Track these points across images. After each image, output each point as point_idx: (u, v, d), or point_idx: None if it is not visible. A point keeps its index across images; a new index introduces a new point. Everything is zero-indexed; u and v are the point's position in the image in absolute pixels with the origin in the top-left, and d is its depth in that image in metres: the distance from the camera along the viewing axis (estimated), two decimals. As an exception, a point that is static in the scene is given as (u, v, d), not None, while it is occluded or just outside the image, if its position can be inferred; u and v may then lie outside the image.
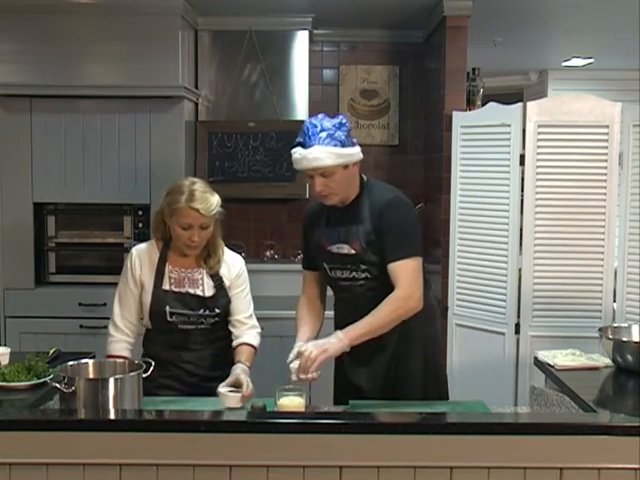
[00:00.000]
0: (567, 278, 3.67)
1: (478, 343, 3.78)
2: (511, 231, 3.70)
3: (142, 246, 2.71)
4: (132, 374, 2.18)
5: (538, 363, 2.74)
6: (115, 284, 4.15)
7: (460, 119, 3.94)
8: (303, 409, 2.26)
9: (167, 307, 2.59)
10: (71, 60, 4.05)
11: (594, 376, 2.55)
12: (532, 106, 3.66)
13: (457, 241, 3.91)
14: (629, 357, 2.53)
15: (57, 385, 2.10)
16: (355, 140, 2.53)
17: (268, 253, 4.75)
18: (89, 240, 4.21)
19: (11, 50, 4.05)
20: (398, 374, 2.59)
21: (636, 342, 2.66)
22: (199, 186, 2.59)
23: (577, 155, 3.64)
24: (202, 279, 2.66)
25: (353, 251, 2.53)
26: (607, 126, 3.62)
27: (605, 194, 3.64)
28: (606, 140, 3.62)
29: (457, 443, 1.88)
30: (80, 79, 4.05)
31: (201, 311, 2.62)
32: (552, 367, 2.61)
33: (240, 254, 4.51)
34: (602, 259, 3.66)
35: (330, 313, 2.76)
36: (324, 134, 2.42)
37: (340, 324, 2.53)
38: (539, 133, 3.64)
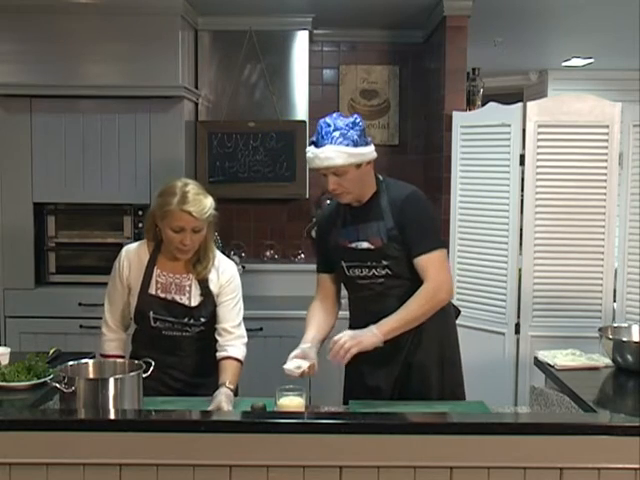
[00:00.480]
0: (567, 278, 3.67)
1: (478, 343, 3.78)
2: (511, 231, 3.70)
3: (132, 246, 2.66)
4: (132, 374, 2.17)
5: (538, 363, 2.74)
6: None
7: (460, 119, 3.94)
8: (303, 409, 2.26)
9: (151, 312, 2.55)
10: (71, 60, 4.05)
11: (594, 376, 2.55)
12: (532, 106, 3.66)
13: (457, 241, 3.91)
14: (629, 357, 2.53)
15: (57, 385, 2.10)
16: (369, 139, 2.54)
17: (268, 253, 4.75)
18: (89, 240, 4.21)
19: (11, 50, 4.05)
20: (414, 374, 2.59)
21: (636, 342, 2.66)
22: (192, 188, 2.51)
23: (577, 155, 3.64)
24: (190, 286, 2.58)
25: (373, 246, 2.53)
26: (607, 126, 3.62)
27: (605, 194, 3.64)
28: (606, 140, 3.62)
29: (457, 443, 1.88)
30: (80, 79, 4.05)
31: (185, 319, 2.57)
32: (552, 367, 2.61)
33: (240, 254, 4.60)
34: (602, 259, 3.66)
35: (345, 313, 2.75)
36: (337, 133, 2.44)
37: (355, 326, 2.52)
38: (539, 133, 3.64)
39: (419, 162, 4.82)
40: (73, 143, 4.09)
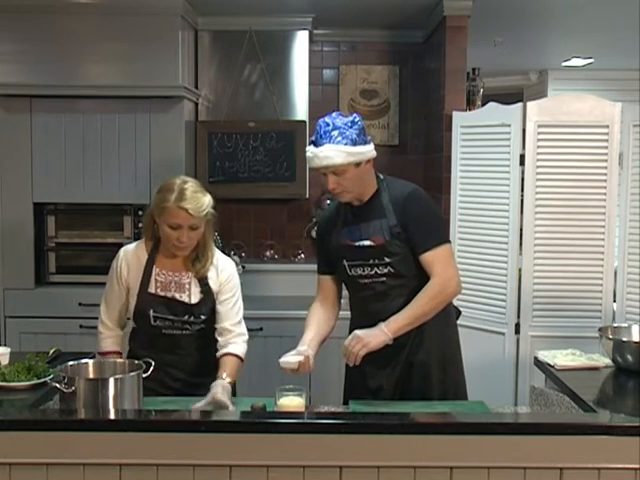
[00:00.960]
0: (567, 278, 3.67)
1: (478, 343, 3.78)
2: (511, 231, 3.70)
3: (130, 247, 2.66)
4: (132, 374, 2.17)
5: (538, 363, 2.74)
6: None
7: (460, 119, 3.94)
8: (303, 409, 2.26)
9: (151, 311, 2.55)
10: (71, 60, 4.05)
11: (594, 376, 2.55)
12: (532, 106, 3.66)
13: (457, 241, 3.91)
14: (629, 357, 2.53)
15: (57, 385, 2.10)
16: (369, 138, 2.54)
17: (268, 253, 4.75)
18: (89, 240, 4.20)
19: (11, 50, 4.05)
20: (416, 374, 2.59)
21: (636, 342, 2.66)
22: (190, 185, 2.51)
23: (577, 155, 3.64)
24: (189, 284, 2.59)
25: (375, 244, 2.54)
26: (607, 126, 3.62)
27: (605, 194, 3.64)
28: (606, 140, 3.62)
29: (457, 443, 1.88)
30: (80, 79, 4.05)
31: (186, 317, 2.57)
32: (552, 367, 2.61)
33: (240, 254, 4.60)
34: (602, 259, 3.66)
35: (346, 313, 2.76)
36: (336, 132, 2.45)
37: (356, 327, 2.52)
38: (539, 133, 3.64)
39: (419, 162, 4.82)
40: (73, 143, 4.09)
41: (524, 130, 3.66)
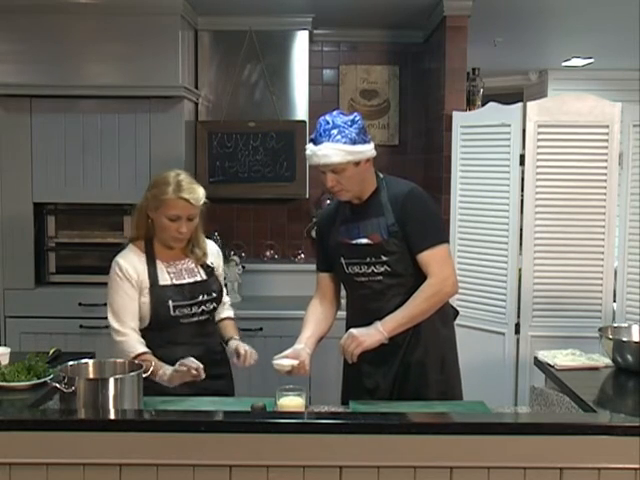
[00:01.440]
0: (567, 278, 3.67)
1: (478, 343, 3.78)
2: (511, 231, 3.70)
3: (125, 254, 2.64)
4: (132, 374, 2.17)
5: (538, 363, 2.74)
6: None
7: (460, 119, 3.94)
8: (303, 409, 2.26)
9: (170, 301, 2.59)
10: (71, 60, 4.05)
11: (594, 376, 2.55)
12: (532, 106, 3.66)
13: (457, 241, 3.91)
14: (629, 357, 2.53)
15: (57, 385, 2.10)
16: (369, 138, 2.54)
17: (268, 253, 4.75)
18: (89, 240, 4.20)
19: (11, 50, 4.05)
20: (412, 374, 2.59)
21: (636, 342, 2.66)
22: (184, 177, 2.60)
23: (577, 155, 3.64)
24: (196, 266, 2.71)
25: (372, 242, 2.54)
26: (607, 126, 3.62)
27: (605, 194, 3.64)
28: (606, 140, 3.62)
29: (457, 443, 1.89)
30: (80, 79, 4.05)
31: (201, 297, 2.65)
32: (552, 367, 2.61)
33: (240, 254, 4.60)
34: (602, 259, 3.66)
35: (342, 314, 2.77)
36: (335, 131, 2.45)
37: (353, 325, 2.53)
38: (539, 133, 3.64)
39: (419, 162, 4.82)
40: (73, 143, 4.09)
41: (524, 130, 3.65)
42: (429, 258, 2.51)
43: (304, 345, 2.55)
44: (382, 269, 2.55)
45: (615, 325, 3.03)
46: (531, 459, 1.88)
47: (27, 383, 2.30)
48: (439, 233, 2.59)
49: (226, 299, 2.85)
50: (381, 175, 2.64)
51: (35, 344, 3.75)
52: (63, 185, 4.11)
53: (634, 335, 2.74)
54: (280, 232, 4.83)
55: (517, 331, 3.72)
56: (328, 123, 2.47)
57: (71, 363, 2.23)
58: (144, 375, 2.22)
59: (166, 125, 4.08)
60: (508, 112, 3.72)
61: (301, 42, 4.49)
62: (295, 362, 2.45)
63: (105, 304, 3.98)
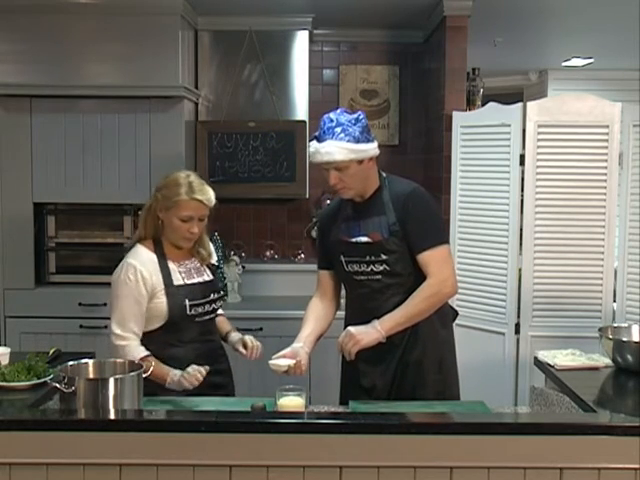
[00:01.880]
0: (567, 278, 3.67)
1: (478, 343, 3.78)
2: (511, 231, 3.70)
3: (135, 255, 2.62)
4: (132, 374, 2.17)
5: (538, 363, 2.74)
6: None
7: (460, 119, 3.94)
8: (303, 409, 2.26)
9: (186, 301, 2.60)
10: (71, 60, 4.05)
11: (594, 376, 2.55)
12: (532, 106, 3.66)
13: (457, 241, 3.91)
14: (629, 357, 2.53)
15: (57, 385, 2.10)
16: (372, 136, 2.55)
17: (268, 253, 4.75)
18: (89, 240, 4.20)
19: (11, 50, 4.05)
20: (410, 373, 2.59)
21: (636, 342, 2.66)
22: (194, 178, 2.63)
23: (577, 155, 3.64)
24: (202, 265, 2.75)
25: (372, 240, 2.55)
26: (607, 126, 3.62)
27: (605, 194, 3.64)
28: (606, 140, 3.62)
29: (457, 443, 1.89)
30: (80, 79, 4.05)
31: (212, 295, 2.69)
32: (552, 367, 2.61)
33: (240, 254, 4.60)
34: (602, 259, 3.66)
35: (341, 313, 2.77)
36: (339, 129, 2.46)
37: (350, 324, 2.53)
38: (539, 133, 3.64)
39: (419, 162, 4.82)
40: (73, 143, 4.09)
41: (524, 130, 3.66)
42: (429, 258, 2.51)
43: (302, 344, 2.55)
44: (381, 268, 2.55)
45: (615, 325, 3.03)
46: (531, 459, 1.88)
47: (27, 383, 2.30)
48: (440, 234, 2.59)
49: None
50: (384, 174, 2.65)
51: (35, 344, 3.75)
52: (63, 185, 4.11)
53: (634, 335, 2.74)
54: (280, 232, 4.83)
55: (517, 331, 3.72)
56: (332, 121, 2.48)
57: (71, 363, 2.23)
58: (144, 375, 2.22)
59: (166, 125, 4.08)
60: (508, 112, 3.72)
61: (301, 42, 4.49)
62: (292, 362, 2.45)
63: (105, 304, 4.00)
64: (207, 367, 2.44)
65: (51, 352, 2.67)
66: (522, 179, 3.66)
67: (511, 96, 5.40)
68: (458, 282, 2.60)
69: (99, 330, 4.02)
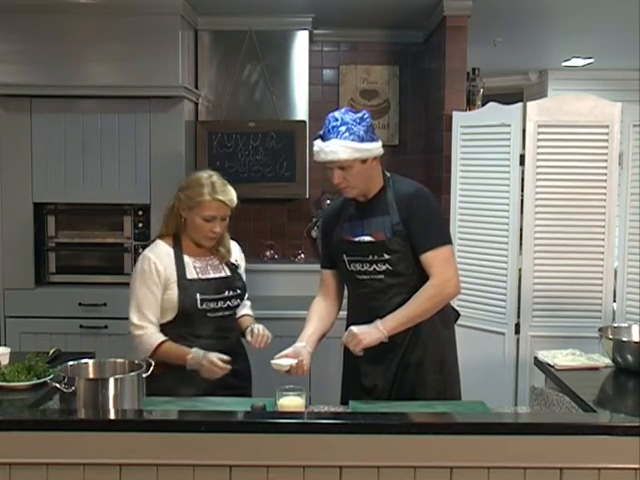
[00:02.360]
0: (567, 278, 3.67)
1: (478, 343, 3.78)
2: (511, 231, 3.70)
3: (153, 248, 2.70)
4: (132, 374, 2.17)
5: (538, 363, 2.74)
6: (116, 284, 4.18)
7: (460, 119, 3.94)
8: (303, 409, 2.26)
9: (198, 294, 2.63)
10: (71, 60, 4.05)
11: (594, 376, 2.55)
12: (532, 106, 3.66)
13: (457, 241, 3.91)
14: (629, 357, 2.53)
15: (57, 385, 2.10)
16: (377, 136, 2.57)
17: (268, 253, 4.74)
18: (89, 240, 4.20)
19: (11, 50, 4.05)
20: (411, 373, 2.59)
21: (636, 342, 2.66)
22: (217, 178, 2.69)
23: (577, 155, 3.64)
24: (220, 263, 2.76)
25: (375, 239, 2.55)
26: (607, 126, 3.62)
27: (605, 194, 3.63)
28: (606, 140, 3.62)
29: (457, 443, 1.89)
30: (80, 79, 4.05)
31: (226, 292, 2.70)
32: (552, 367, 2.61)
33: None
34: (602, 259, 3.66)
35: (343, 313, 2.77)
36: (343, 128, 2.47)
37: (354, 323, 2.53)
38: (539, 133, 3.64)
39: (419, 162, 4.82)
40: (73, 143, 4.09)
41: (524, 130, 3.65)
42: (432, 259, 2.51)
43: (305, 343, 2.55)
44: (384, 267, 2.55)
45: (615, 325, 3.03)
46: (531, 459, 1.88)
47: (27, 383, 2.30)
48: (443, 234, 2.59)
49: (247, 302, 2.91)
50: (388, 174, 2.65)
51: (35, 344, 3.75)
52: (63, 185, 4.11)
53: (634, 335, 2.74)
54: (280, 232, 4.83)
55: (517, 331, 3.71)
56: (337, 120, 2.49)
57: (71, 363, 2.23)
58: (144, 375, 2.22)
59: (166, 125, 4.08)
60: (508, 112, 3.72)
61: (301, 42, 4.49)
62: (293, 361, 2.45)
63: (105, 304, 4.01)
64: (227, 358, 2.49)
65: (51, 352, 2.67)
66: (522, 179, 3.66)
67: (511, 96, 5.40)
68: (460, 283, 2.60)
69: (99, 330, 4.03)
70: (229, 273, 2.76)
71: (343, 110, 2.55)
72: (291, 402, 2.26)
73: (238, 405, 2.43)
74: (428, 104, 4.71)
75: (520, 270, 3.71)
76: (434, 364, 2.61)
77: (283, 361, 2.46)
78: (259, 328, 2.71)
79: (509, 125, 3.69)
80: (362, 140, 2.48)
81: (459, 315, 2.81)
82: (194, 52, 4.49)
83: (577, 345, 2.84)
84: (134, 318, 2.62)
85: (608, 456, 1.88)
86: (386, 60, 4.81)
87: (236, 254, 2.86)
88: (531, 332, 3.69)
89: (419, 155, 4.84)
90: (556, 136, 3.64)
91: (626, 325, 2.92)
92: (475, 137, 3.86)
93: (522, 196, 3.67)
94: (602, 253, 3.65)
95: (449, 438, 1.89)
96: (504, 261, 3.72)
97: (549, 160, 3.65)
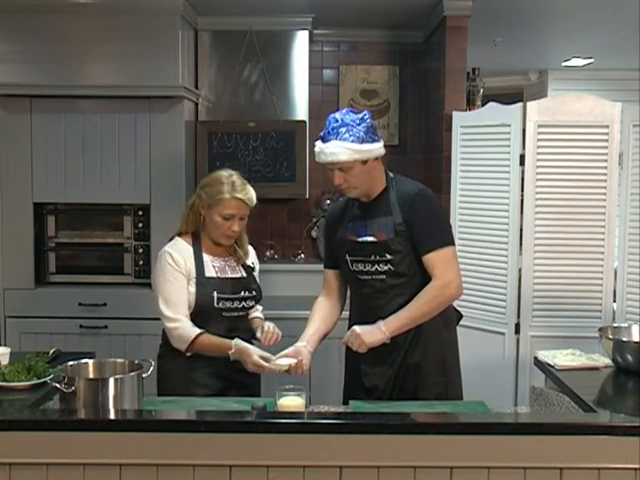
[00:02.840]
0: (567, 278, 3.67)
1: (478, 343, 3.78)
2: (511, 231, 3.70)
3: (173, 245, 2.71)
4: (132, 374, 2.17)
5: (538, 363, 2.74)
6: (116, 284, 4.19)
7: (460, 119, 3.94)
8: (303, 409, 2.26)
9: (215, 292, 2.64)
10: (71, 60, 4.05)
11: (594, 376, 2.55)
12: (532, 106, 3.66)
13: (457, 241, 3.87)
14: (629, 357, 2.53)
15: (57, 385, 2.10)
16: (378, 136, 2.56)
17: (268, 253, 4.74)
18: (89, 240, 4.21)
19: (11, 50, 4.05)
20: (412, 374, 2.59)
21: (636, 342, 2.66)
22: (237, 177, 2.69)
23: (577, 155, 3.64)
24: (238, 264, 2.78)
25: (377, 239, 2.55)
26: (607, 126, 3.62)
27: (605, 194, 3.63)
28: (606, 140, 3.62)
29: (457, 443, 1.89)
30: (80, 79, 4.05)
31: (242, 293, 2.71)
32: (552, 367, 2.61)
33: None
34: (602, 259, 3.66)
35: (345, 313, 2.77)
36: (343, 129, 2.47)
37: (355, 323, 2.54)
38: (539, 133, 3.64)
39: (419, 162, 4.81)
40: (73, 143, 4.09)
41: (524, 130, 3.66)
42: (434, 260, 2.51)
43: (306, 343, 2.55)
44: (385, 268, 2.55)
45: (615, 325, 3.03)
46: (531, 459, 1.88)
47: (27, 383, 2.30)
48: (445, 235, 2.59)
49: (259, 306, 2.91)
50: (391, 174, 2.65)
51: (35, 344, 3.75)
52: (63, 185, 4.11)
53: (634, 335, 2.74)
54: (280, 232, 4.83)
55: (517, 331, 3.72)
56: (337, 121, 2.49)
57: (71, 363, 2.23)
58: (144, 375, 2.22)
59: (166, 125, 4.08)
60: (508, 112, 3.72)
61: (301, 42, 4.49)
62: (293, 361, 2.45)
63: (105, 304, 4.01)
64: (269, 355, 2.48)
65: (51, 352, 2.67)
66: (522, 179, 3.66)
67: (511, 96, 5.40)
68: (463, 284, 2.60)
69: (99, 330, 4.03)
70: (245, 274, 2.78)
71: (344, 111, 2.55)
72: (291, 402, 2.26)
73: (237, 405, 2.43)
74: (428, 104, 4.71)
75: (520, 270, 3.71)
76: (435, 365, 2.61)
77: (282, 361, 2.46)
78: (269, 326, 2.72)
79: (509, 125, 3.69)
80: (362, 141, 2.48)
81: (461, 316, 2.80)
82: (194, 52, 4.49)
83: (577, 345, 2.84)
84: (167, 311, 2.60)
85: (608, 456, 1.88)
86: (386, 60, 4.81)
87: (253, 257, 2.88)
88: (531, 332, 3.69)
89: (419, 155, 4.84)
90: (556, 136, 3.64)
91: (626, 325, 2.92)
92: (475, 137, 3.86)
93: (522, 196, 3.67)
94: (602, 253, 3.65)
95: (449, 438, 1.89)
96: (504, 261, 3.72)
97: (549, 160, 3.65)
